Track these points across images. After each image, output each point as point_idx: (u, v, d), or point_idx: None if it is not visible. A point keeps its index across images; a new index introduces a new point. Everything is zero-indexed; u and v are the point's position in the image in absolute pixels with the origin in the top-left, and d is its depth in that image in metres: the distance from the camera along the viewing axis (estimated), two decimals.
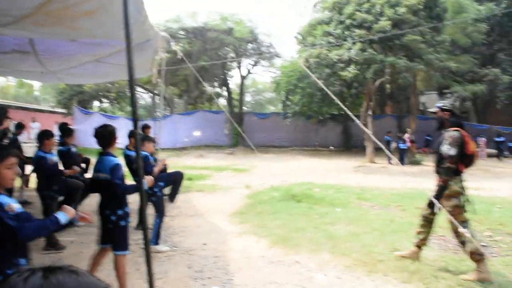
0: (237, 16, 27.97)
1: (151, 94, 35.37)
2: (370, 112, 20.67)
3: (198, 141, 27.27)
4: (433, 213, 4.99)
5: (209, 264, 5.34)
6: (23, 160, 8.41)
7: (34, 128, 24.01)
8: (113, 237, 4.15)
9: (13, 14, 3.59)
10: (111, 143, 4.20)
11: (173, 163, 17.69)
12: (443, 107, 5.01)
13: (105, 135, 4.19)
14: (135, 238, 5.76)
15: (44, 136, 6.00)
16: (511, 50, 28.36)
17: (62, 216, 2.77)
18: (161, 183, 6.03)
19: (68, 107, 29.66)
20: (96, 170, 4.18)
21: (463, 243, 4.69)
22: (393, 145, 20.04)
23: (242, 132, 20.94)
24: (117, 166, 4.05)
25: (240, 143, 27.25)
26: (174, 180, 7.18)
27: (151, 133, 9.08)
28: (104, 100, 36.22)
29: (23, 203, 6.67)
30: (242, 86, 33.63)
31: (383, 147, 5.99)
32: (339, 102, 6.64)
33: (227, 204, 9.04)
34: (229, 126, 27.39)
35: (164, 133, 25.55)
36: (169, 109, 34.27)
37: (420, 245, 5.19)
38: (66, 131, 7.28)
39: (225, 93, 33.49)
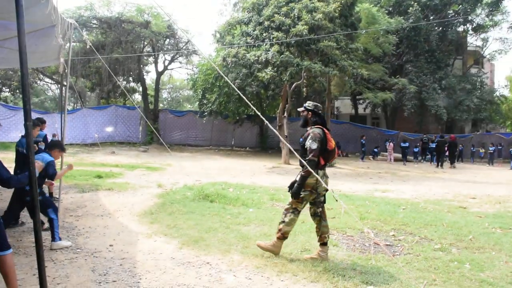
0: (155, 10, 27.20)
1: (59, 85, 33.38)
2: (286, 114, 21.10)
3: (110, 137, 26.18)
4: (318, 206, 5.43)
5: (114, 266, 5.04)
6: None
7: None
8: None
9: None
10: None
11: (81, 161, 16.81)
12: (307, 107, 5.53)
13: None
14: (32, 240, 5.31)
15: None
16: (417, 62, 30.59)
17: None
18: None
19: None
20: None
21: (282, 222, 5.34)
22: None
23: (156, 129, 20.45)
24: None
25: (154, 141, 26.60)
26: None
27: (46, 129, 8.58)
28: (4, 89, 33.58)
29: None
30: (158, 82, 32.81)
31: (293, 150, 6.07)
32: (251, 105, 6.72)
33: (138, 204, 8.69)
34: (143, 123, 26.58)
35: (74, 127, 24.25)
36: (80, 102, 32.60)
37: (324, 241, 5.44)
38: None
39: (140, 89, 32.50)
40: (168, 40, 29.63)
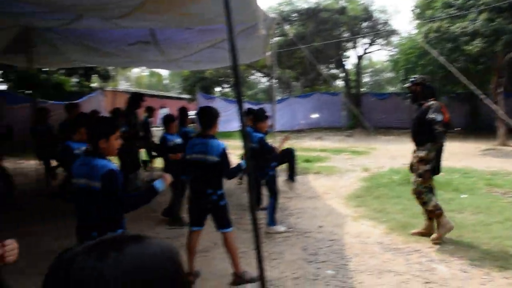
0: None
1: (268, 78, 35.90)
2: (501, 90, 18.58)
3: (315, 124, 27.07)
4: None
5: (324, 247, 5.24)
6: (151, 145, 9.06)
7: (162, 114, 26.13)
8: (215, 216, 4.28)
9: (126, 4, 3.77)
10: (213, 125, 4.26)
11: (291, 146, 17.82)
12: (416, 81, 5.40)
13: (208, 115, 4.27)
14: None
15: (168, 119, 6.48)
16: None
17: (160, 184, 2.97)
18: (274, 163, 6.02)
19: (192, 93, 31.34)
20: (199, 151, 4.22)
21: (424, 203, 5.30)
22: None
23: (359, 113, 20.31)
24: (225, 150, 4.13)
25: (358, 125, 26.52)
26: (286, 158, 7.14)
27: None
28: (224, 85, 37.65)
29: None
30: (358, 66, 32.54)
31: None
32: (464, 79, 6.14)
33: (345, 187, 8.82)
34: (346, 107, 26.75)
35: (282, 116, 25.84)
36: (287, 92, 34.48)
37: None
38: (185, 114, 7.69)
39: (342, 74, 32.72)
40: (365, 23, 29.05)
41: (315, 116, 27.28)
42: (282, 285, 4.18)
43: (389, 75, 46.41)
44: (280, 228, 5.91)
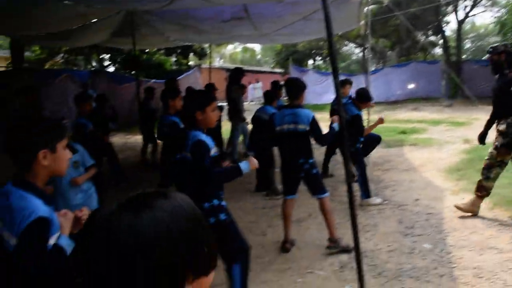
0: None
1: (362, 48, 34.80)
2: None
3: (412, 94, 25.86)
4: None
5: (420, 220, 5.13)
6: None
7: (257, 88, 27.26)
8: (309, 184, 4.40)
9: None
10: (300, 95, 4.35)
11: (386, 117, 17.28)
12: (497, 50, 5.00)
13: (296, 86, 4.37)
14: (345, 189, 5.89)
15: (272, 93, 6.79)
16: None
17: (245, 166, 3.04)
18: (362, 138, 5.96)
19: (285, 66, 31.45)
20: (290, 121, 4.32)
21: (486, 178, 5.01)
22: None
23: (460, 82, 19.06)
24: (314, 118, 4.22)
25: (458, 95, 24.92)
26: (370, 142, 7.04)
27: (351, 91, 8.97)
28: (317, 57, 37.23)
29: None
30: (459, 32, 30.27)
31: None
32: None
33: (443, 159, 8.44)
34: (445, 76, 25.17)
35: (377, 87, 25.03)
36: (382, 62, 33.25)
37: None
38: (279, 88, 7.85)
39: (440, 41, 30.72)
40: None
41: (411, 86, 26.09)
42: (377, 257, 4.19)
43: (495, 39, 42.73)
44: (375, 200, 5.87)
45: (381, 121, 6.00)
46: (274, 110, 6.19)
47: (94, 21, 7.86)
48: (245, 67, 41.43)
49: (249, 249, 3.16)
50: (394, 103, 23.95)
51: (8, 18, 6.37)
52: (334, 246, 4.34)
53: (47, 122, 1.95)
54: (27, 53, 15.70)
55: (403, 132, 12.14)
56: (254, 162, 3.05)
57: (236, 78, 8.32)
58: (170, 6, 6.09)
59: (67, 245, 1.78)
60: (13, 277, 1.74)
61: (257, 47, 60.44)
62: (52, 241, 1.74)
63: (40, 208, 1.72)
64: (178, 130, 4.90)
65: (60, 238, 1.78)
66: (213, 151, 3.03)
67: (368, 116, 7.99)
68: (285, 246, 4.48)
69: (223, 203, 3.09)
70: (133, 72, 17.78)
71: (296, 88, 4.35)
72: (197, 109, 3.01)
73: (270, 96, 6.68)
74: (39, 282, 1.71)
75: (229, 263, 3.05)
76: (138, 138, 11.62)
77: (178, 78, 14.39)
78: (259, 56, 67.18)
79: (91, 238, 0.79)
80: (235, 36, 10.04)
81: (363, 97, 5.92)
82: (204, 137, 2.99)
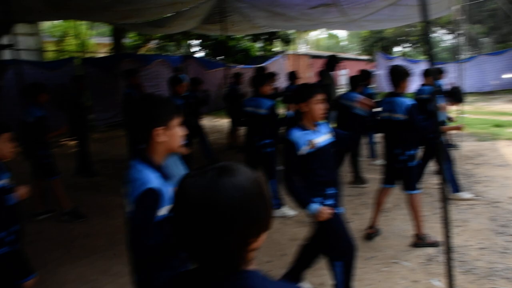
0: None
1: (454, 35, 32.90)
2: None
3: (508, 85, 24.15)
4: None
5: None
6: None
7: (343, 75, 26.48)
8: (401, 177, 4.29)
9: None
10: (401, 83, 4.21)
11: (478, 109, 16.34)
12: None
13: (397, 74, 4.23)
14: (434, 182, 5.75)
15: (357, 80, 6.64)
16: None
17: (314, 207, 2.96)
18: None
19: (371, 53, 30.64)
20: (386, 110, 4.28)
21: None
22: None
23: None
24: (413, 107, 4.07)
25: None
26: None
27: (444, 79, 8.54)
28: (405, 44, 35.86)
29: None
30: None
31: None
32: None
33: None
34: None
35: (469, 76, 23.63)
36: (475, 50, 31.27)
37: None
38: (368, 76, 7.74)
39: None
40: None
41: (509, 76, 24.33)
42: (467, 254, 4.05)
43: None
44: (465, 195, 5.64)
45: (459, 128, 5.67)
46: (358, 96, 6.05)
47: (186, 9, 8.23)
48: (330, 54, 41.05)
49: (355, 249, 3.13)
50: (489, 94, 22.58)
51: (112, 9, 6.87)
52: (419, 244, 4.25)
53: (160, 100, 2.02)
54: (125, 40, 16.78)
55: (498, 125, 11.42)
56: (324, 213, 2.92)
57: (331, 65, 8.32)
58: None
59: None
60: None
61: (342, 33, 59.23)
62: (162, 212, 1.89)
63: (152, 180, 1.85)
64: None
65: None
66: (305, 149, 2.99)
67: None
68: (369, 232, 4.49)
69: (328, 201, 3.02)
70: (220, 58, 18.29)
71: (396, 76, 4.23)
72: (301, 101, 3.04)
73: (355, 82, 6.58)
74: (147, 249, 1.85)
75: (332, 260, 3.08)
76: (224, 122, 12.00)
77: (264, 64, 14.60)
78: (344, 43, 65.91)
79: (175, 193, 0.96)
80: (322, 22, 9.99)
81: (455, 97, 5.68)
82: (295, 136, 2.99)
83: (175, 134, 1.98)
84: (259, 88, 5.23)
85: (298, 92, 3.15)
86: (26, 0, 6.05)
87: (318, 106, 3.01)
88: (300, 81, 8.03)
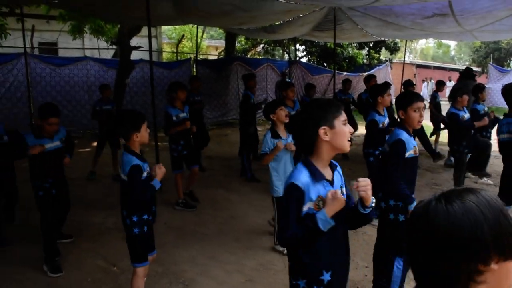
0: None
1: None
2: None
3: None
4: None
5: None
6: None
7: (449, 87, 25.05)
8: None
9: None
10: None
11: None
12: None
13: (509, 93, 4.06)
14: None
15: (457, 93, 6.14)
16: None
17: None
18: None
19: (483, 65, 28.75)
20: (505, 131, 4.09)
21: None
22: None
23: None
24: None
25: None
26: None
27: None
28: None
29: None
30: None
31: None
32: None
33: None
34: None
35: None
36: None
37: None
38: (480, 90, 7.33)
39: None
40: None
41: None
42: None
43: None
44: None
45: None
46: (456, 111, 5.85)
47: (299, 16, 8.52)
48: (435, 64, 39.00)
49: None
50: None
51: (231, 15, 7.36)
52: None
53: (325, 101, 2.07)
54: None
55: None
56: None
57: (467, 77, 8.34)
58: (375, 3, 6.27)
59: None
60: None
61: (452, 42, 56.19)
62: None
63: (298, 178, 2.01)
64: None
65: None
66: (411, 152, 3.06)
67: None
68: None
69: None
70: (326, 64, 18.39)
71: (510, 95, 4.06)
72: (400, 108, 3.09)
73: (454, 95, 6.20)
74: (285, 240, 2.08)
75: (394, 255, 3.13)
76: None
77: (369, 72, 14.46)
78: (453, 52, 62.46)
79: (411, 223, 1.03)
80: (435, 32, 9.72)
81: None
82: (405, 137, 3.04)
83: (340, 132, 1.99)
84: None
85: (397, 100, 3.18)
86: (163, 8, 6.69)
87: (415, 114, 3.02)
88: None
